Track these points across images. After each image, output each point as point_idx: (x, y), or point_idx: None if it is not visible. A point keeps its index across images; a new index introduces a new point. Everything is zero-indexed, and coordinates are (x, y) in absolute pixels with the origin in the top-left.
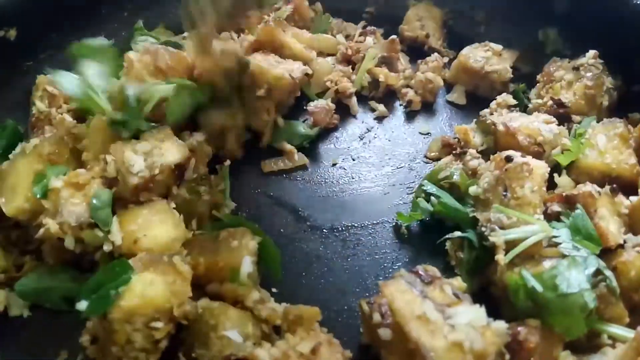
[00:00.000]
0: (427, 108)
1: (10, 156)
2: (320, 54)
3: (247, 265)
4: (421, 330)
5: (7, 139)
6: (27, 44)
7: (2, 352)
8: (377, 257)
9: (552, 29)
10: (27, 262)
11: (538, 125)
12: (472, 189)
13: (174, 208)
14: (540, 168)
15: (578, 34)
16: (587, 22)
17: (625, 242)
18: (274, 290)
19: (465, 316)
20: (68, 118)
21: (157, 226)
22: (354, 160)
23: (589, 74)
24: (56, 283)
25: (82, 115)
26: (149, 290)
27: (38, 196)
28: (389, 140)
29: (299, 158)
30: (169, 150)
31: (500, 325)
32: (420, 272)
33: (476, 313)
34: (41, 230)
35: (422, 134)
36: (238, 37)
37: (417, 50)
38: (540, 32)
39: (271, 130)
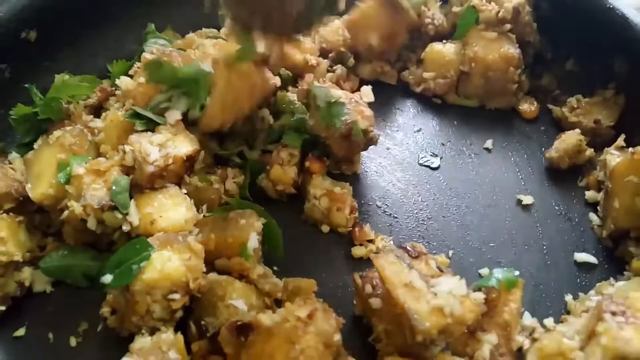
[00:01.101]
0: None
1: (35, 146)
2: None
3: (254, 241)
4: (407, 296)
5: (36, 133)
6: (46, 45)
7: (27, 324)
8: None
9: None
10: (49, 243)
11: None
12: None
13: (185, 194)
14: None
15: (557, 37)
16: (565, 26)
17: None
18: (275, 268)
19: (446, 285)
20: (84, 113)
21: (171, 209)
22: None
23: None
24: (77, 261)
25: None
26: (167, 265)
27: (62, 182)
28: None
29: None
30: (182, 143)
31: (479, 296)
32: (408, 247)
33: (457, 284)
34: (66, 212)
35: (415, 131)
36: None
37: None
38: None
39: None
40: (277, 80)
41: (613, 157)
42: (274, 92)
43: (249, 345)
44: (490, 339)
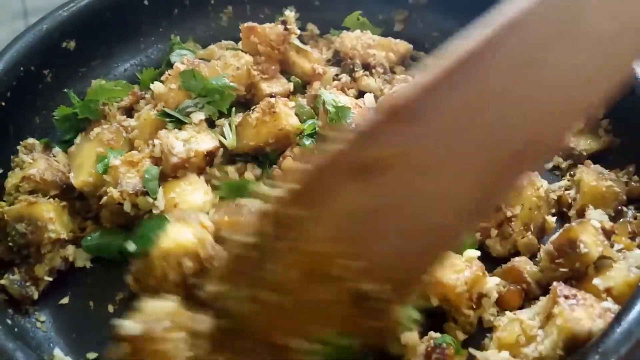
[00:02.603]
0: None
1: (77, 141)
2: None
3: None
4: None
5: (75, 131)
6: (83, 53)
7: (70, 294)
8: None
9: None
10: (88, 226)
11: None
12: None
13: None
14: None
15: None
16: None
17: None
18: None
19: None
20: (118, 114)
21: (190, 193)
22: None
23: None
24: (113, 241)
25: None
26: (180, 236)
27: (100, 171)
28: None
29: None
30: (203, 140)
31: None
32: None
33: None
34: (105, 197)
35: None
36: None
37: None
38: None
39: None
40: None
41: (587, 175)
42: None
43: None
44: None
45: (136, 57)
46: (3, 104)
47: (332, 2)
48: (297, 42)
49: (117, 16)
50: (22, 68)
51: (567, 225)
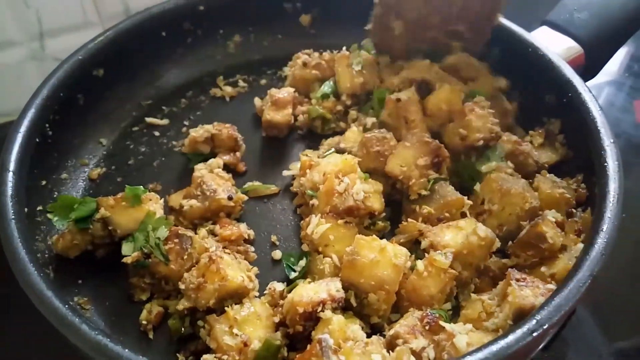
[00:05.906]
0: None
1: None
2: None
3: None
4: None
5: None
6: (109, 79)
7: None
8: None
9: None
10: None
11: None
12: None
13: None
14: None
15: (506, 74)
16: (512, 67)
17: None
18: None
19: None
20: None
21: None
22: None
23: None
24: None
25: None
26: None
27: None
28: None
29: None
30: None
31: None
32: None
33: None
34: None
35: None
36: None
37: None
38: None
39: None
40: None
41: (544, 184)
42: None
43: None
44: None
45: (154, 82)
46: (47, 125)
47: (326, 31)
48: None
49: (139, 46)
50: (61, 94)
51: (532, 222)
